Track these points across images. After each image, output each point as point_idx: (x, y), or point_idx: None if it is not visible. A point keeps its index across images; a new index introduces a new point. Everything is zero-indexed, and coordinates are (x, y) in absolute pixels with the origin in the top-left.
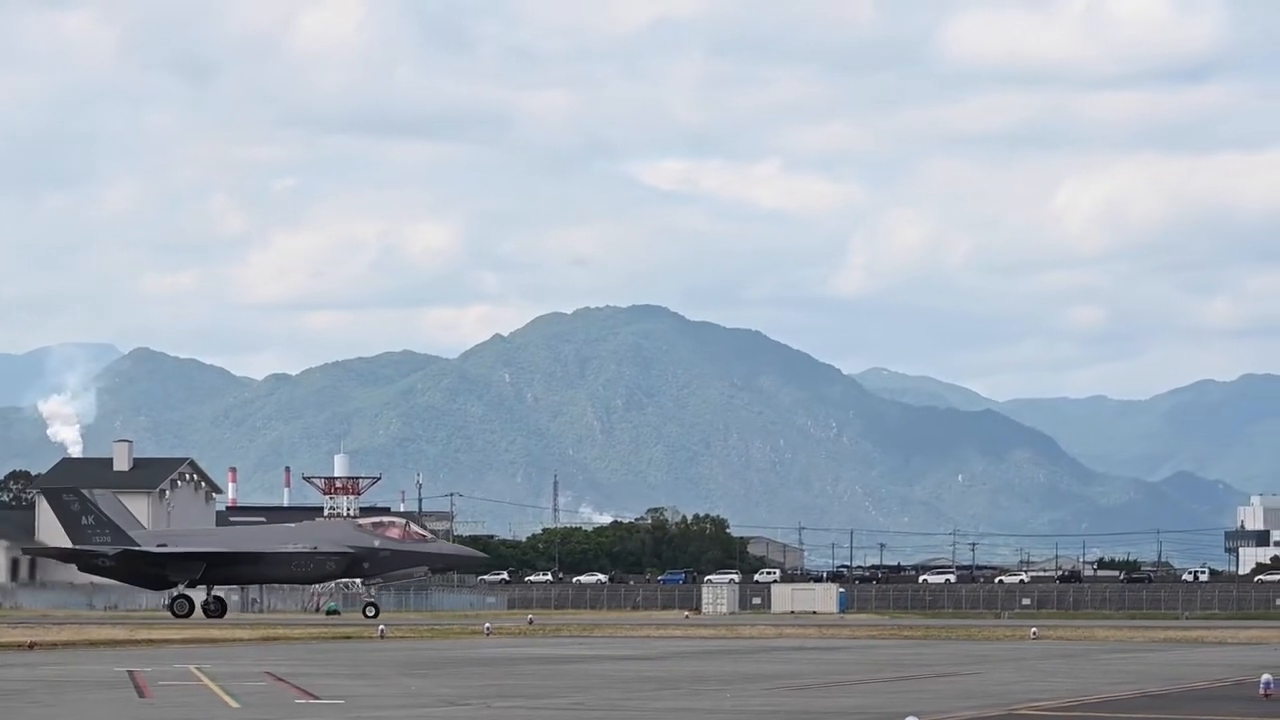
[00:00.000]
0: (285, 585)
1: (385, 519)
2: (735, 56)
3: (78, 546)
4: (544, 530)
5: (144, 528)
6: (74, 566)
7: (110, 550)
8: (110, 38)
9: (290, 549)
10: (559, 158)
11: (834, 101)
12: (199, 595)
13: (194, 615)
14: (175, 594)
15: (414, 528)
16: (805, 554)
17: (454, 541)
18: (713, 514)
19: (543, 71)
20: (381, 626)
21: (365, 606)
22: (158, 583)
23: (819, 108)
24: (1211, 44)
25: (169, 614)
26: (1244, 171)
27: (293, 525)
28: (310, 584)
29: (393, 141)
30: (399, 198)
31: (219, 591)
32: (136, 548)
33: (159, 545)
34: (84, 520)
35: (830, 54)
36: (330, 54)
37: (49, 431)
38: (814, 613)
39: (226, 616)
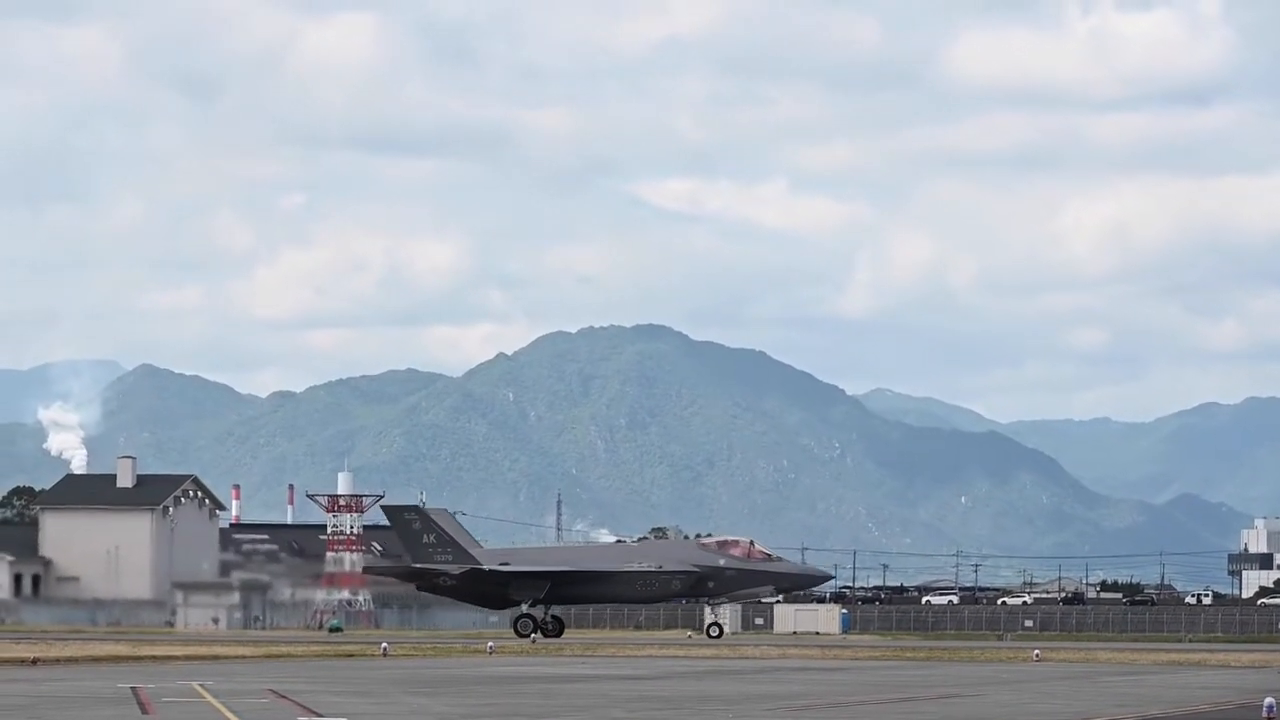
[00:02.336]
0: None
1: (728, 538)
2: (740, 76)
3: (419, 565)
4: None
5: (480, 545)
6: (79, 580)
7: (454, 569)
8: (115, 53)
9: (636, 568)
10: (564, 176)
11: (839, 121)
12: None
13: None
14: (519, 613)
15: (757, 546)
16: None
17: None
18: (718, 535)
19: (548, 90)
20: (384, 644)
21: (709, 626)
22: (500, 602)
23: (824, 127)
24: (1217, 67)
25: (513, 633)
26: (1249, 194)
27: (634, 544)
28: (654, 603)
29: (398, 159)
30: (404, 215)
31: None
32: (481, 567)
33: (501, 564)
34: (425, 539)
35: (835, 74)
36: (336, 71)
37: (46, 444)
38: (817, 633)
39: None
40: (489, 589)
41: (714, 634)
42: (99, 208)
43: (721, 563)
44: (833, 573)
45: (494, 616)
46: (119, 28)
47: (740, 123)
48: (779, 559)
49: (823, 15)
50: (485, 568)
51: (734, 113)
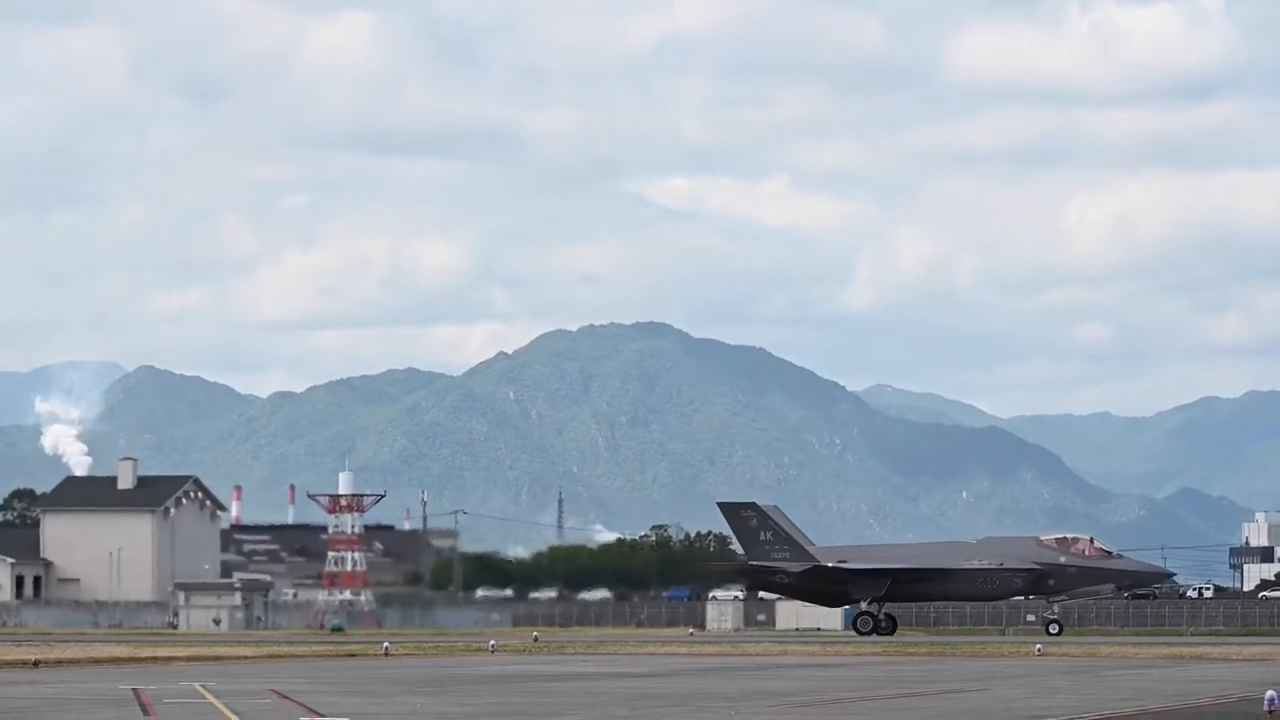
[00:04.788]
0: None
1: (1067, 535)
2: (743, 75)
3: (756, 563)
4: (549, 548)
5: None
6: (80, 582)
7: (793, 567)
8: (118, 57)
9: (976, 565)
10: (567, 176)
11: (841, 120)
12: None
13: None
14: (859, 611)
15: (1097, 544)
16: None
17: (459, 558)
18: (717, 531)
19: (551, 90)
20: (387, 644)
21: (1049, 624)
22: (837, 600)
23: (826, 126)
24: (1219, 61)
25: (853, 632)
26: (1252, 189)
27: (973, 542)
28: (992, 601)
29: (401, 160)
30: (406, 216)
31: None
32: (823, 564)
33: (839, 562)
34: (762, 536)
35: (837, 72)
36: (339, 72)
37: (43, 438)
38: (819, 629)
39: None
40: (829, 587)
41: (1053, 631)
42: (101, 211)
43: (1062, 560)
44: (1173, 571)
45: (496, 615)
46: (122, 31)
47: (743, 121)
48: (1119, 556)
49: (825, 14)
50: (827, 565)
51: (737, 112)
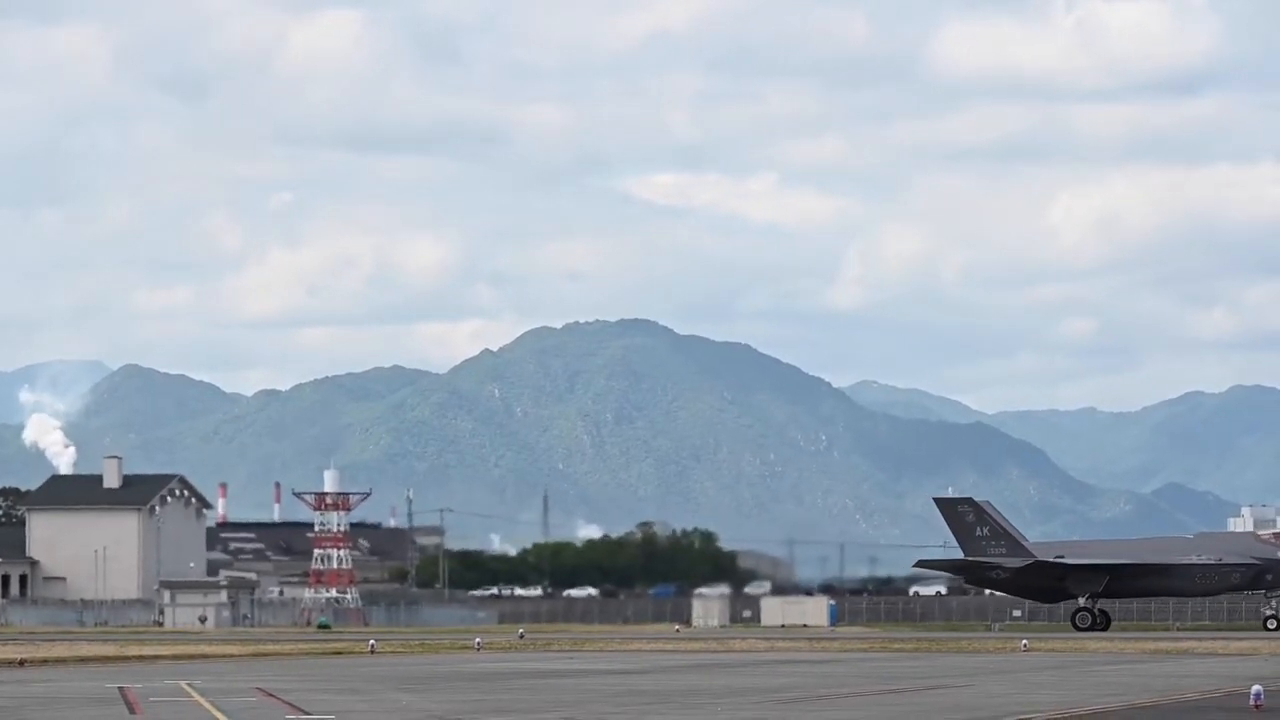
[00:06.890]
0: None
1: None
2: (729, 71)
3: (973, 559)
4: (534, 545)
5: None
6: (66, 580)
7: (1011, 563)
8: (104, 54)
9: (1195, 560)
10: (552, 172)
11: (828, 115)
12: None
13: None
14: (1078, 607)
15: None
16: (795, 567)
17: (444, 555)
18: (702, 527)
19: (536, 86)
20: (373, 642)
21: (1266, 620)
22: (1054, 595)
23: (813, 122)
24: (1205, 56)
25: (1071, 626)
26: (1237, 184)
27: (1190, 536)
28: (1211, 596)
29: (386, 157)
30: (391, 213)
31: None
32: (1042, 560)
33: (1056, 557)
34: (978, 531)
35: (824, 68)
36: (324, 70)
37: (25, 432)
38: (805, 626)
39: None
40: (1047, 583)
41: (1271, 626)
42: (85, 209)
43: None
44: None
45: (481, 612)
46: (108, 28)
47: (730, 117)
48: None
49: (811, 9)
50: (1047, 561)
51: (723, 107)
